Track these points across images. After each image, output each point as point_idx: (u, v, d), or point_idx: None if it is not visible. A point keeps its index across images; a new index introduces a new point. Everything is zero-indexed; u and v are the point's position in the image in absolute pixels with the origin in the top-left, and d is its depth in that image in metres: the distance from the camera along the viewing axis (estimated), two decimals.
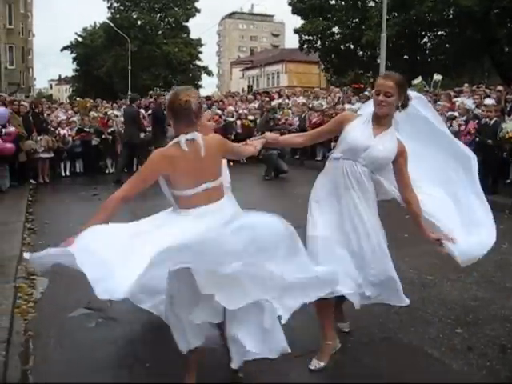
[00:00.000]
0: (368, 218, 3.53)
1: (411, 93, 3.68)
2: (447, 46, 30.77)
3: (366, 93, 15.83)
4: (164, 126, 12.72)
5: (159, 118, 12.99)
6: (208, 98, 14.97)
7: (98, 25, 59.16)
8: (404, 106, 3.58)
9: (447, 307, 4.70)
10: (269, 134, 3.97)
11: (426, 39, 33.22)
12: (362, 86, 18.24)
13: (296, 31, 36.51)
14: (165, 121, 12.35)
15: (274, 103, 16.90)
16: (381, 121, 3.53)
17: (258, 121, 15.03)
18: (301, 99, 17.28)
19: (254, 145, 3.75)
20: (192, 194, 3.05)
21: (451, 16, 28.67)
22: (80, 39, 59.18)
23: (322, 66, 39.72)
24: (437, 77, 16.45)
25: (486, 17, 24.83)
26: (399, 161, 3.52)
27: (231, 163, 5.06)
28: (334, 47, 35.46)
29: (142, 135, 12.92)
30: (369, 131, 3.52)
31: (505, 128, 9.38)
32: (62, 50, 59.18)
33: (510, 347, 3.92)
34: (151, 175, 3.10)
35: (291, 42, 73.91)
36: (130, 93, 14.87)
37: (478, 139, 9.69)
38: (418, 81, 16.06)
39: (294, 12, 35.68)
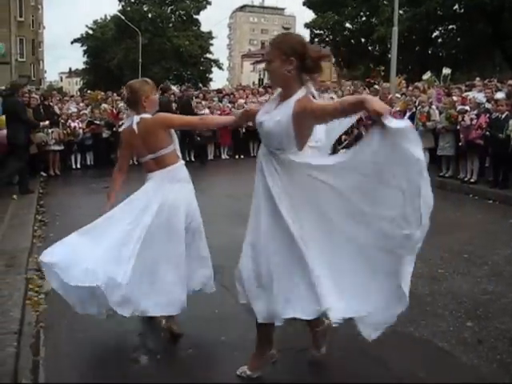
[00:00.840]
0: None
1: (393, 124, 2.59)
2: (458, 40, 30.56)
3: (376, 86, 15.73)
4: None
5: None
6: (219, 90, 14.94)
7: (108, 17, 59.17)
8: (309, 68, 2.97)
9: (457, 301, 4.68)
10: (250, 106, 3.98)
11: (437, 33, 33.01)
12: (376, 79, 18.08)
13: (307, 25, 36.36)
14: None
15: None
16: (283, 94, 3.08)
17: None
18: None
19: (234, 114, 3.81)
20: (143, 161, 3.95)
21: (462, 10, 28.46)
22: (91, 32, 59.22)
23: (334, 60, 39.55)
24: (446, 71, 16.33)
25: (499, 11, 24.62)
26: (310, 119, 2.96)
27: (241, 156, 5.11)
28: (345, 42, 35.31)
29: None
30: (269, 107, 3.16)
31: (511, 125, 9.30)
32: (72, 43, 59.25)
33: None
34: (125, 148, 4.06)
35: (302, 35, 73.56)
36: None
37: (488, 133, 9.64)
38: (427, 76, 15.97)
39: (306, 5, 35.50)
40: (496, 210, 8.74)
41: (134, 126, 3.81)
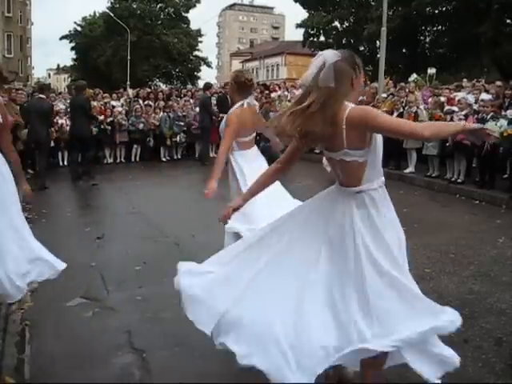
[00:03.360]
0: None
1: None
2: (446, 40, 30.72)
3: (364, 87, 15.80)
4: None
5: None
6: (209, 86, 14.85)
7: (97, 14, 58.91)
8: None
9: (444, 300, 4.69)
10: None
11: (425, 33, 33.18)
12: (365, 80, 18.16)
13: (299, 25, 36.39)
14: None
15: (273, 95, 16.84)
16: None
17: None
18: (300, 92, 17.22)
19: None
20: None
21: (451, 10, 28.65)
22: (79, 28, 58.89)
23: None
24: (431, 71, 16.49)
25: (487, 12, 24.76)
26: (371, 127, 2.56)
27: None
28: (335, 42, 35.36)
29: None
30: None
31: (501, 127, 9.36)
32: (60, 39, 58.91)
33: (505, 340, 3.94)
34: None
35: (291, 34, 73.92)
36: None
37: None
38: (412, 78, 16.08)
39: (297, 1, 35.48)
40: (482, 210, 8.80)
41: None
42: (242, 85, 4.46)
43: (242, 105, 4.42)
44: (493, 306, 4.60)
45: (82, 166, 11.78)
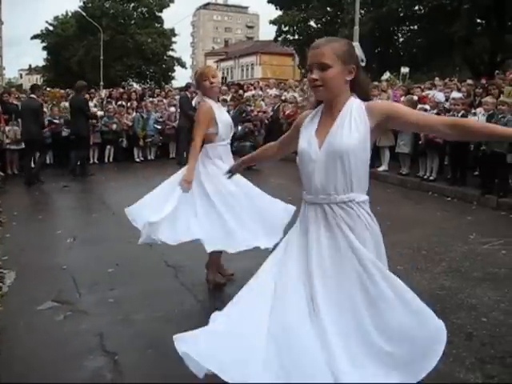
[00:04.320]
0: None
1: None
2: (419, 40, 31.08)
3: None
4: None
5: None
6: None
7: (69, 14, 58.24)
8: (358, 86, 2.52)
9: None
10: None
11: (399, 34, 33.55)
12: None
13: (272, 22, 36.49)
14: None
15: (247, 95, 16.86)
16: (331, 108, 2.48)
17: (231, 112, 14.97)
18: (273, 91, 17.29)
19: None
20: None
21: (423, 11, 29.03)
22: (51, 28, 58.17)
23: (298, 59, 39.79)
24: (404, 70, 16.64)
25: (457, 12, 25.11)
26: (395, 119, 2.42)
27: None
28: (309, 41, 35.51)
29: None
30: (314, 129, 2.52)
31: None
32: (32, 39, 58.22)
33: (476, 334, 3.99)
34: None
35: (265, 33, 73.87)
36: (102, 83, 15.11)
37: None
38: (386, 76, 16.20)
39: (270, 1, 35.60)
40: (454, 207, 8.91)
41: None
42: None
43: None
44: (463, 302, 4.66)
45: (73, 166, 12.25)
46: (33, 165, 11.75)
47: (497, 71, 17.10)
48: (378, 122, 2.40)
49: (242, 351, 2.27)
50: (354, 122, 2.36)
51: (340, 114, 2.41)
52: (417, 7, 29.09)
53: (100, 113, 14.26)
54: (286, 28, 36.19)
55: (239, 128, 13.08)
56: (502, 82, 11.81)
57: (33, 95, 11.55)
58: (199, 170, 4.63)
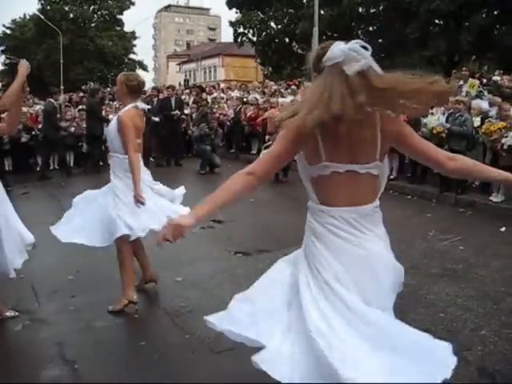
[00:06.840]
0: None
1: None
2: (380, 41, 31.53)
3: (293, 87, 16.18)
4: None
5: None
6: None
7: (27, 17, 57.15)
8: None
9: None
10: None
11: (358, 32, 33.96)
12: (297, 83, 18.44)
13: (231, 24, 36.55)
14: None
15: (209, 98, 16.82)
16: None
17: (193, 115, 14.92)
18: (235, 93, 17.30)
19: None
20: None
21: (381, 11, 29.53)
22: (8, 31, 56.99)
23: (259, 60, 39.92)
24: None
25: (416, 12, 25.52)
26: (400, 136, 2.33)
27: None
28: (269, 41, 35.66)
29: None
30: None
31: (429, 123, 9.68)
32: None
33: (434, 330, 4.06)
34: None
35: (228, 35, 73.63)
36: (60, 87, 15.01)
37: None
38: None
39: (229, 5, 35.72)
40: (414, 204, 9.07)
41: None
42: (134, 88, 4.52)
43: (136, 107, 4.50)
44: (422, 298, 4.75)
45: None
46: None
47: (454, 71, 17.42)
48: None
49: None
50: None
51: None
52: (376, 6, 29.60)
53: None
54: (245, 30, 36.30)
55: (195, 130, 13.12)
56: (460, 79, 12.05)
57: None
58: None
